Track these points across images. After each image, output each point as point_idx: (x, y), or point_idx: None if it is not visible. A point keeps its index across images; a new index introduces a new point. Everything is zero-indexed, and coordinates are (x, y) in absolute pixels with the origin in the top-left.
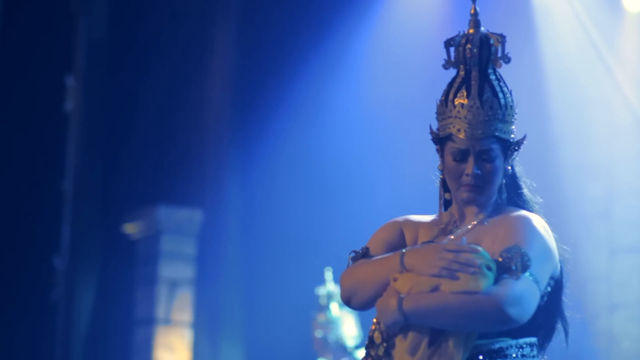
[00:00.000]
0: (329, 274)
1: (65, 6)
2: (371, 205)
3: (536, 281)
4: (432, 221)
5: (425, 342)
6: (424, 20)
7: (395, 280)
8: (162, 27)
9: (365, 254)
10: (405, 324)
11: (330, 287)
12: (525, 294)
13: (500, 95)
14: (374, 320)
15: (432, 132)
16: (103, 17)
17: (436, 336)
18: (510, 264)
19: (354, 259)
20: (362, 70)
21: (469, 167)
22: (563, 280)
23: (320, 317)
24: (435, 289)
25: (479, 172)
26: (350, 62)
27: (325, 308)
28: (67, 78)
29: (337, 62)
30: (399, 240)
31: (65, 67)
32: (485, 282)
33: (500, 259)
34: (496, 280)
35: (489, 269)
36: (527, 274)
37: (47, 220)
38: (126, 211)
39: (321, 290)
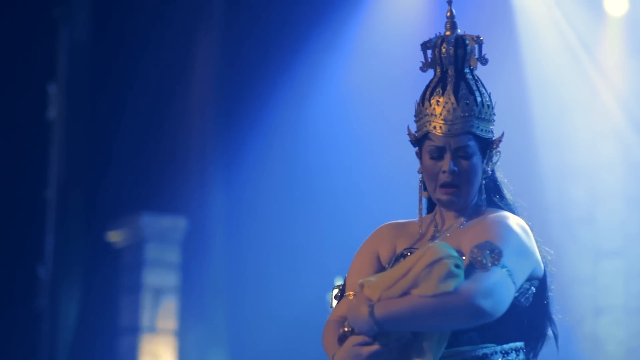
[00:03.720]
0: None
1: (47, 13)
2: (358, 210)
3: (510, 274)
4: (414, 226)
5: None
6: (407, 25)
7: (363, 287)
8: (145, 34)
9: (342, 293)
10: (379, 331)
11: None
12: (496, 285)
13: (477, 93)
14: (346, 322)
15: (410, 134)
16: (85, 24)
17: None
18: (480, 258)
19: (336, 297)
20: (345, 74)
21: (446, 163)
22: (547, 281)
23: None
24: (405, 293)
25: (455, 169)
26: (334, 68)
27: (331, 301)
28: (49, 86)
29: (320, 68)
30: (375, 267)
31: (48, 74)
32: (455, 282)
33: (471, 259)
34: (467, 276)
35: (457, 267)
36: (498, 266)
37: (31, 229)
38: (110, 219)
39: (332, 294)
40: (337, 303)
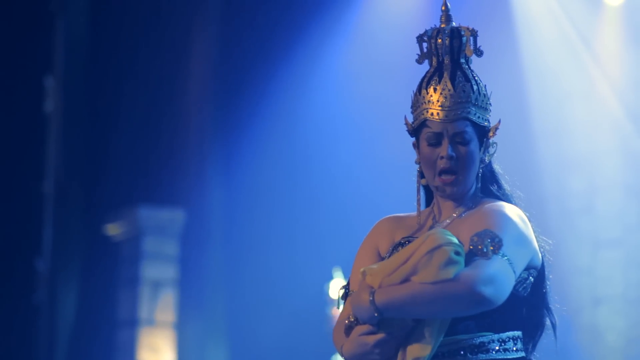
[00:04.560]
0: (338, 273)
1: (44, 6)
2: (357, 201)
3: (510, 262)
4: (412, 219)
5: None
6: (405, 14)
7: (364, 275)
8: (142, 27)
9: (347, 292)
10: (381, 318)
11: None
12: (497, 273)
13: (473, 81)
14: (350, 313)
15: (407, 124)
16: (82, 17)
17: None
18: (481, 246)
19: (343, 297)
20: (343, 66)
21: (444, 149)
22: (545, 271)
23: (335, 311)
24: (406, 280)
25: (453, 154)
26: (331, 59)
27: (338, 301)
28: (46, 79)
29: (318, 60)
30: (377, 262)
31: (45, 67)
32: (455, 269)
33: (471, 247)
34: (467, 264)
35: (457, 254)
36: (499, 254)
37: (29, 222)
38: (108, 212)
39: (331, 285)
40: (344, 303)
